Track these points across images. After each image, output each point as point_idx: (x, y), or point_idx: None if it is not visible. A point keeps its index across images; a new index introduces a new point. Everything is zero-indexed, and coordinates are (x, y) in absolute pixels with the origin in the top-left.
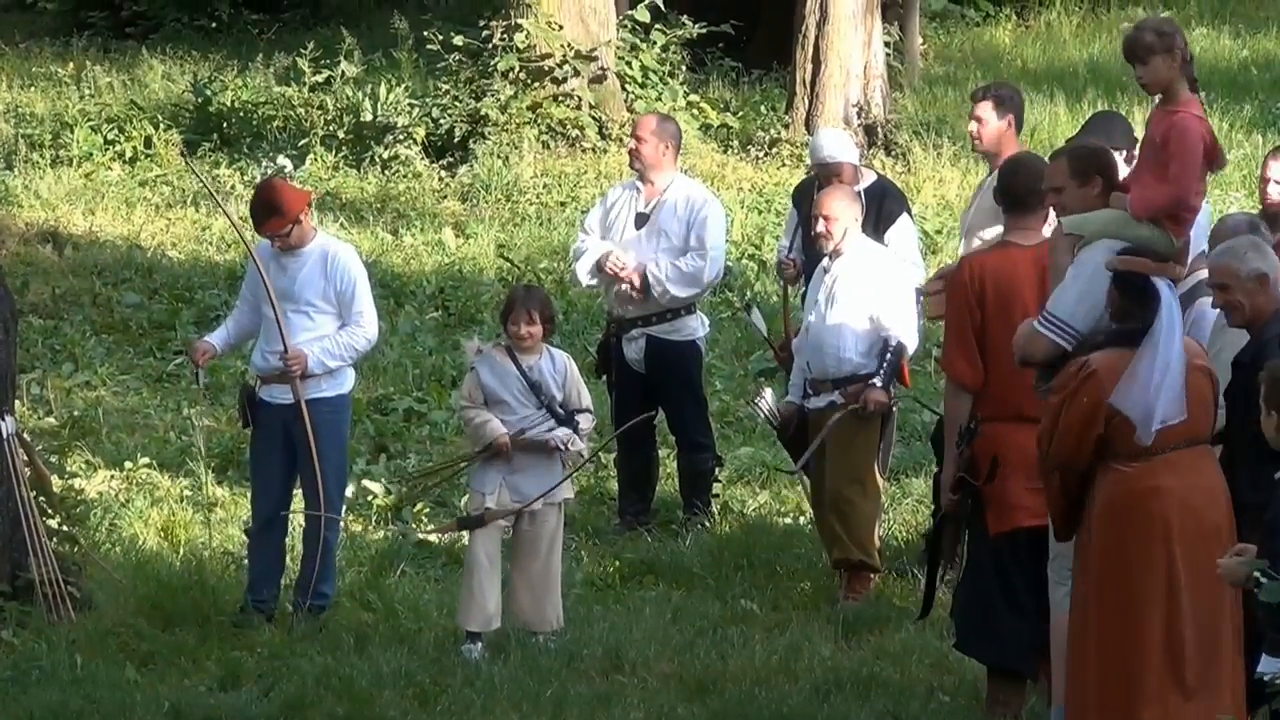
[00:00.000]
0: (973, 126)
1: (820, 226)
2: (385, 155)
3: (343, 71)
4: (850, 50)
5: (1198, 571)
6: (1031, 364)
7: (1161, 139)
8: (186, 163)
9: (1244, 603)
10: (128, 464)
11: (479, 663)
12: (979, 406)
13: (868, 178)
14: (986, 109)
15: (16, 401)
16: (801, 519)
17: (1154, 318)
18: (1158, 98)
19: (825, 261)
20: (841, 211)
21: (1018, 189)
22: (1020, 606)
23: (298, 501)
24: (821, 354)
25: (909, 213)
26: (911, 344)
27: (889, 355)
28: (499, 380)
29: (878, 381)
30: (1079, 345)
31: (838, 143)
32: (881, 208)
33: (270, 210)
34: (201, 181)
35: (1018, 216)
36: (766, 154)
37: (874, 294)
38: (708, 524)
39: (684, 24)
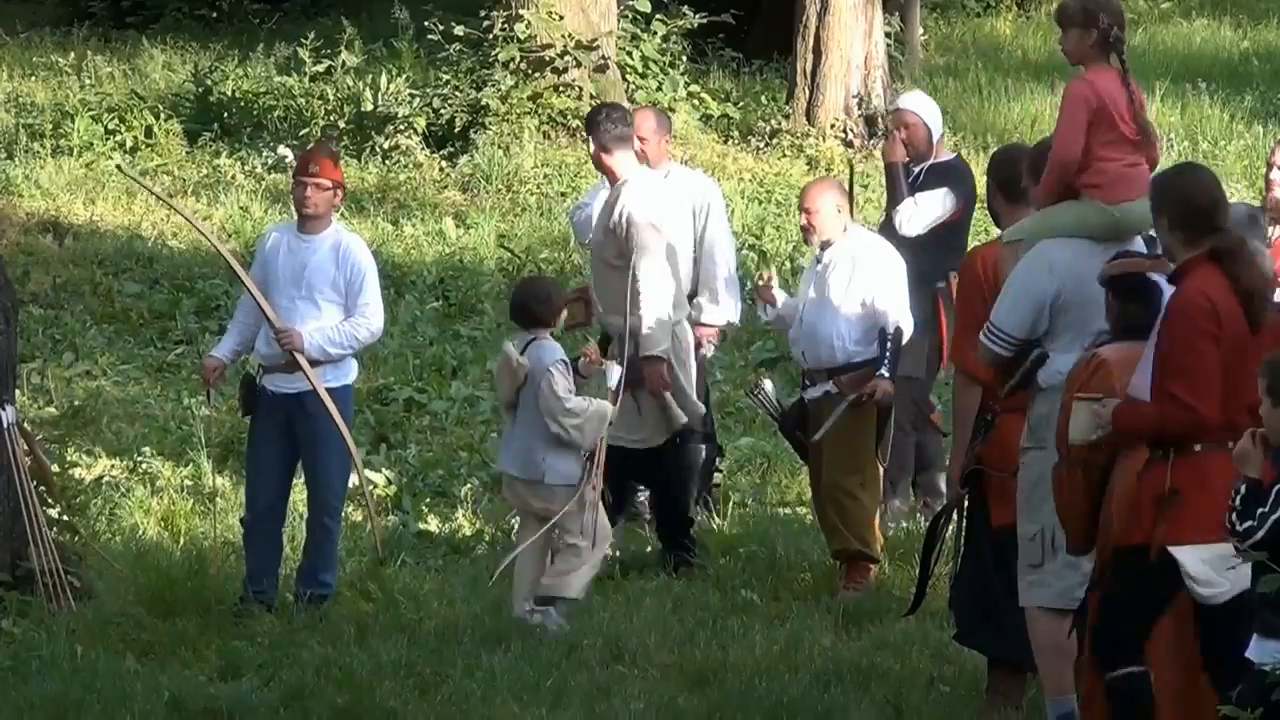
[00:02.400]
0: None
1: (803, 220)
2: (386, 145)
3: (343, 61)
4: (851, 41)
5: None
6: (986, 369)
7: None
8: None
9: None
10: (128, 453)
11: (560, 627)
12: (991, 399)
13: (942, 156)
14: None
15: (17, 391)
16: (801, 509)
17: (1158, 309)
18: None
19: (817, 251)
20: (822, 203)
21: (1017, 180)
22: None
23: (298, 492)
24: (816, 344)
25: (956, 195)
26: (908, 328)
27: (889, 343)
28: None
29: (885, 372)
30: (1019, 350)
31: (917, 99)
32: (932, 182)
33: (330, 154)
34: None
35: (1019, 207)
36: (767, 144)
37: (867, 280)
38: (708, 514)
39: (685, 14)
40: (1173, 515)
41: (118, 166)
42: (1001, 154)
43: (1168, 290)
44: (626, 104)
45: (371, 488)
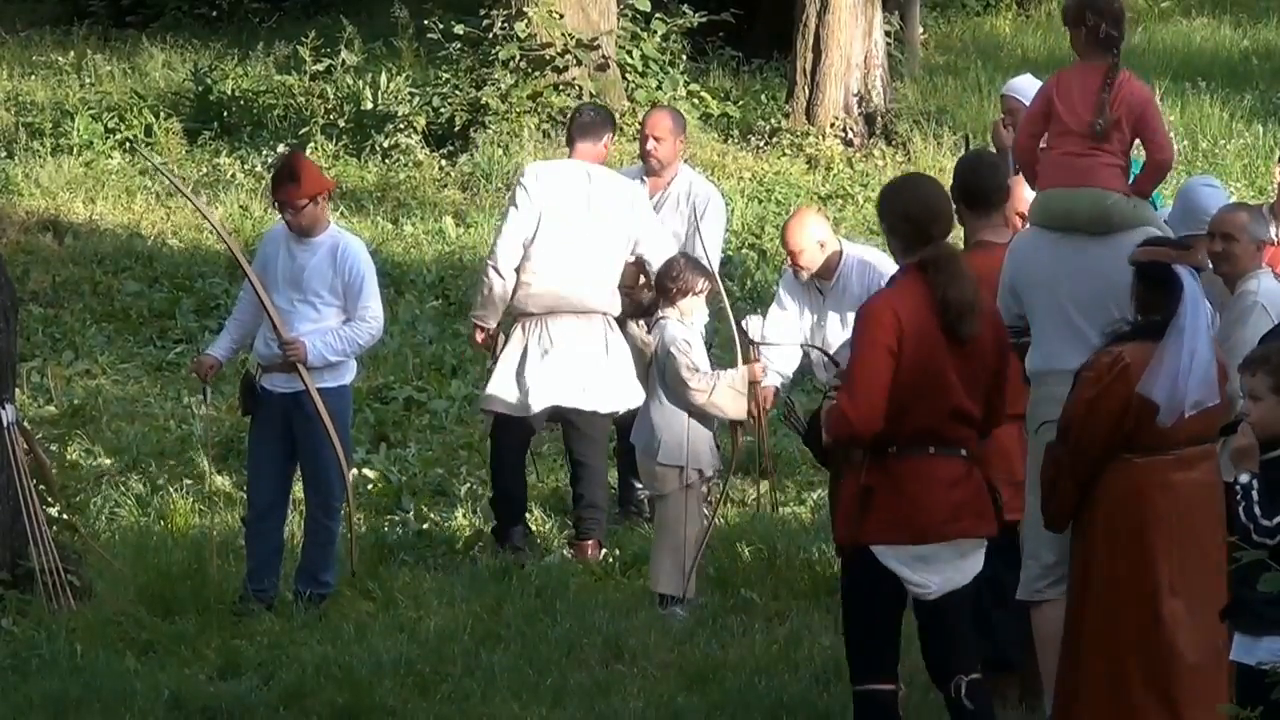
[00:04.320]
0: None
1: (791, 261)
2: (386, 144)
3: (343, 60)
4: (851, 40)
5: (1191, 570)
6: None
7: None
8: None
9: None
10: (128, 453)
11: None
12: None
13: None
14: None
15: (17, 390)
16: (801, 509)
17: (1177, 306)
18: None
19: (818, 282)
20: (804, 241)
21: (981, 187)
22: (1006, 599)
23: (297, 491)
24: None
25: None
26: None
27: None
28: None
29: None
30: (1019, 333)
31: (1021, 83)
32: None
33: (291, 177)
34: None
35: (983, 215)
36: (767, 143)
37: None
38: (707, 513)
39: (685, 13)
40: (868, 515)
41: (140, 154)
42: (962, 162)
43: (1189, 281)
44: (626, 103)
45: (356, 505)
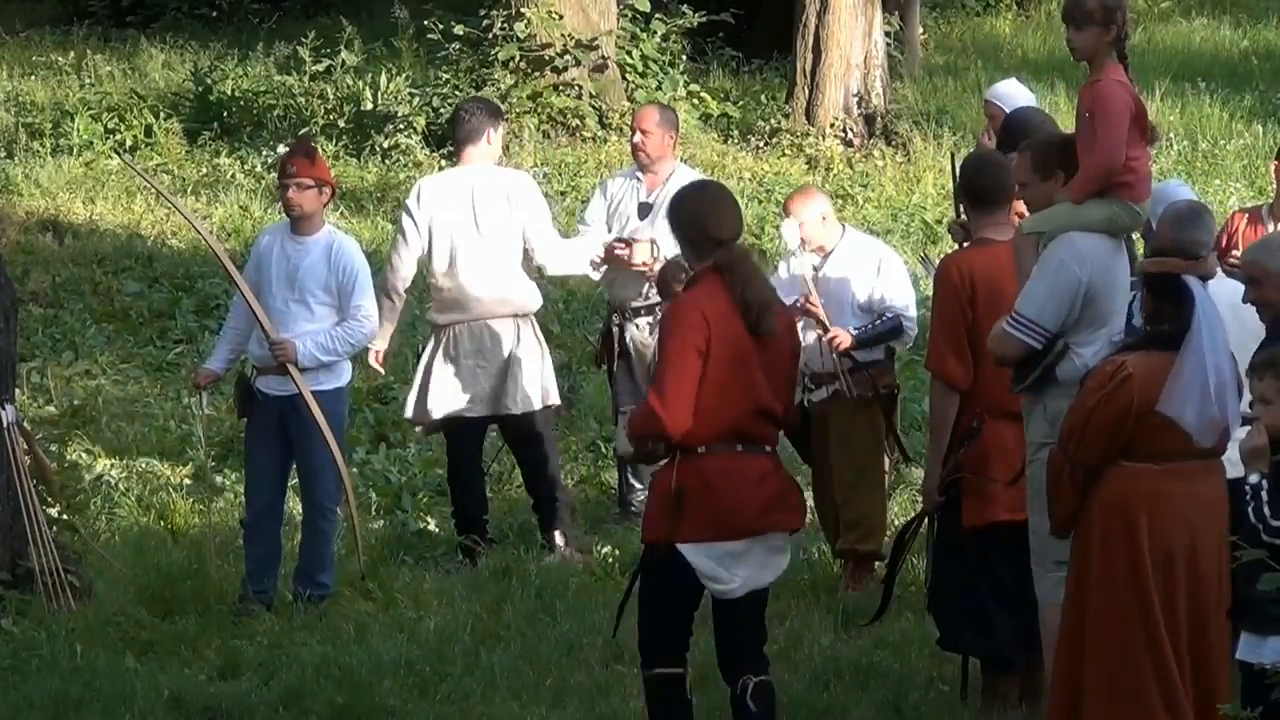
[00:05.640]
0: None
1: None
2: (386, 144)
3: (343, 60)
4: (851, 40)
5: (1193, 582)
6: (1005, 363)
7: (1089, 111)
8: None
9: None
10: (128, 453)
11: None
12: (971, 404)
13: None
14: None
15: (17, 390)
16: None
17: (1190, 319)
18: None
19: (815, 260)
20: (806, 215)
21: (985, 186)
22: (1008, 598)
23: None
24: (821, 353)
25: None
26: (912, 329)
27: (881, 319)
28: None
29: (855, 329)
30: (1050, 342)
31: (1002, 88)
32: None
33: (306, 153)
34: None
35: (987, 213)
36: (767, 144)
37: (872, 283)
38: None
39: (684, 13)
40: (682, 514)
41: (123, 160)
42: (967, 161)
43: (1200, 293)
44: (626, 103)
45: (357, 505)
